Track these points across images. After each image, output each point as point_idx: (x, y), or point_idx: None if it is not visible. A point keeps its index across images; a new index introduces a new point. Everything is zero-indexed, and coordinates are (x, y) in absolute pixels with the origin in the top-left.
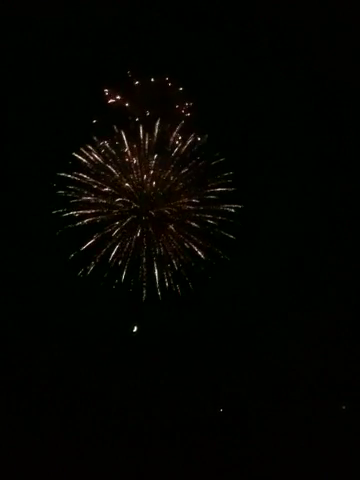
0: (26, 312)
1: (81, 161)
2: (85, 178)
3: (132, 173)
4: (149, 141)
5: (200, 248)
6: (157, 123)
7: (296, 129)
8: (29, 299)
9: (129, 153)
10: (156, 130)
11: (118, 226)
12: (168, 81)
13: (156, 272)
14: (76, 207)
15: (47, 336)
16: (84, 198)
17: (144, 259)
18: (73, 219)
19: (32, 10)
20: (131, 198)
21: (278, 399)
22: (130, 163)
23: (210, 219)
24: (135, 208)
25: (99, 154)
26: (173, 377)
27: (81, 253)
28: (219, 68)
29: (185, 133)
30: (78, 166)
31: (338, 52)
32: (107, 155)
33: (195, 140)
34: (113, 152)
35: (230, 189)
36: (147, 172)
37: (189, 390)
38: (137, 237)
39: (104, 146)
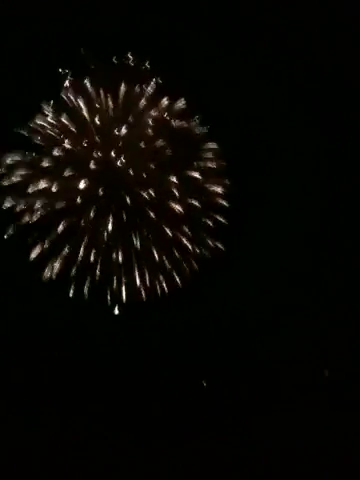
0: None
1: (32, 139)
2: (38, 160)
3: (96, 149)
4: (114, 109)
5: (187, 238)
6: (122, 86)
7: (296, 129)
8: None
9: (91, 125)
10: (121, 94)
11: (85, 216)
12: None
13: (136, 269)
14: (29, 197)
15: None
16: (39, 185)
17: (120, 254)
18: (27, 212)
19: None
20: (98, 181)
21: (278, 399)
22: (93, 137)
23: (196, 201)
24: (104, 193)
25: (54, 129)
26: (172, 377)
27: (43, 252)
28: (217, 67)
29: (158, 97)
30: (28, 145)
31: (338, 52)
32: (64, 130)
33: (171, 105)
34: (71, 125)
35: (216, 165)
36: (115, 147)
37: (188, 390)
38: (110, 228)
39: (59, 119)
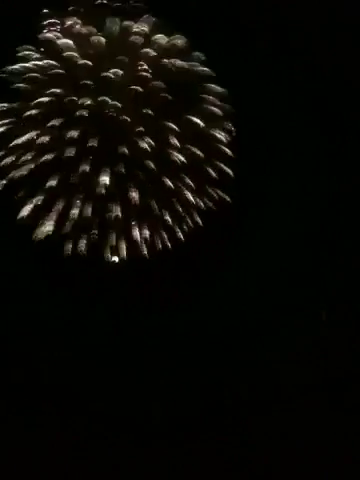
0: None
1: (9, 83)
2: (24, 108)
3: (87, 94)
4: (105, 48)
5: (189, 190)
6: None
7: (296, 129)
8: None
9: (81, 67)
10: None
11: (79, 169)
12: None
13: (136, 224)
14: (15, 150)
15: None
16: (23, 138)
17: (118, 210)
18: (14, 167)
19: None
20: (91, 130)
21: (278, 399)
22: (83, 81)
23: (198, 150)
24: (99, 143)
25: (40, 73)
26: (172, 377)
27: (34, 211)
28: (217, 67)
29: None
30: (12, 92)
31: (338, 52)
32: (51, 73)
33: (169, 43)
34: (59, 68)
35: (220, 109)
36: (107, 92)
37: (188, 390)
38: (106, 183)
39: (46, 61)
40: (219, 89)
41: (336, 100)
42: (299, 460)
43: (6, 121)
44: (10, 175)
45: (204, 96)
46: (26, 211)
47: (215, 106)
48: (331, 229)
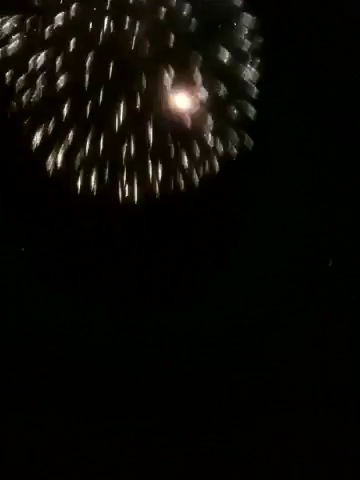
0: None
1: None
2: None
3: (107, 17)
4: None
5: (209, 131)
6: None
7: (297, 128)
8: None
9: None
10: None
11: (93, 99)
12: None
13: (150, 165)
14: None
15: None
16: (41, 59)
17: (133, 147)
18: (27, 90)
19: None
20: (108, 57)
21: (278, 399)
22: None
23: (222, 88)
24: (116, 72)
25: None
26: (171, 377)
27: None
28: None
29: None
30: (27, 10)
31: (339, 50)
32: None
33: None
34: None
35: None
36: (128, 15)
37: (188, 390)
38: (121, 115)
39: None
40: (249, 23)
41: (337, 99)
42: (300, 461)
43: (18, 42)
44: (22, 98)
45: (233, 30)
46: (37, 139)
47: (243, 43)
48: (332, 228)
